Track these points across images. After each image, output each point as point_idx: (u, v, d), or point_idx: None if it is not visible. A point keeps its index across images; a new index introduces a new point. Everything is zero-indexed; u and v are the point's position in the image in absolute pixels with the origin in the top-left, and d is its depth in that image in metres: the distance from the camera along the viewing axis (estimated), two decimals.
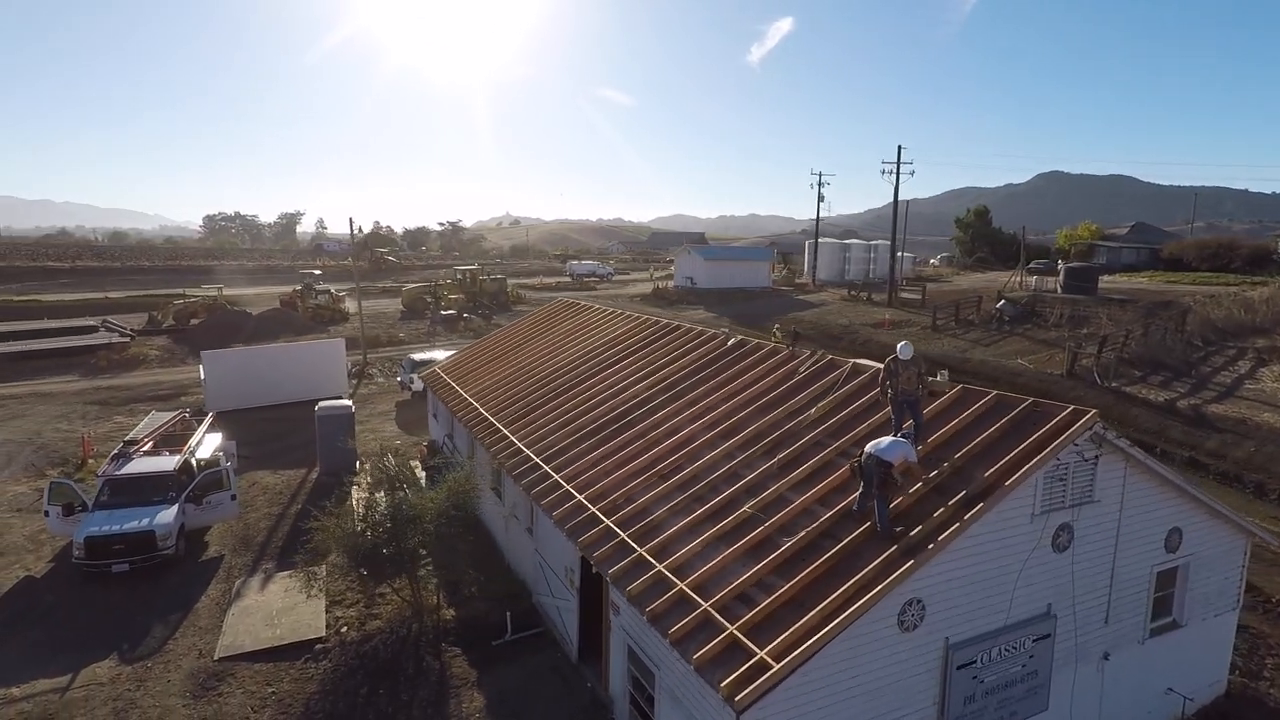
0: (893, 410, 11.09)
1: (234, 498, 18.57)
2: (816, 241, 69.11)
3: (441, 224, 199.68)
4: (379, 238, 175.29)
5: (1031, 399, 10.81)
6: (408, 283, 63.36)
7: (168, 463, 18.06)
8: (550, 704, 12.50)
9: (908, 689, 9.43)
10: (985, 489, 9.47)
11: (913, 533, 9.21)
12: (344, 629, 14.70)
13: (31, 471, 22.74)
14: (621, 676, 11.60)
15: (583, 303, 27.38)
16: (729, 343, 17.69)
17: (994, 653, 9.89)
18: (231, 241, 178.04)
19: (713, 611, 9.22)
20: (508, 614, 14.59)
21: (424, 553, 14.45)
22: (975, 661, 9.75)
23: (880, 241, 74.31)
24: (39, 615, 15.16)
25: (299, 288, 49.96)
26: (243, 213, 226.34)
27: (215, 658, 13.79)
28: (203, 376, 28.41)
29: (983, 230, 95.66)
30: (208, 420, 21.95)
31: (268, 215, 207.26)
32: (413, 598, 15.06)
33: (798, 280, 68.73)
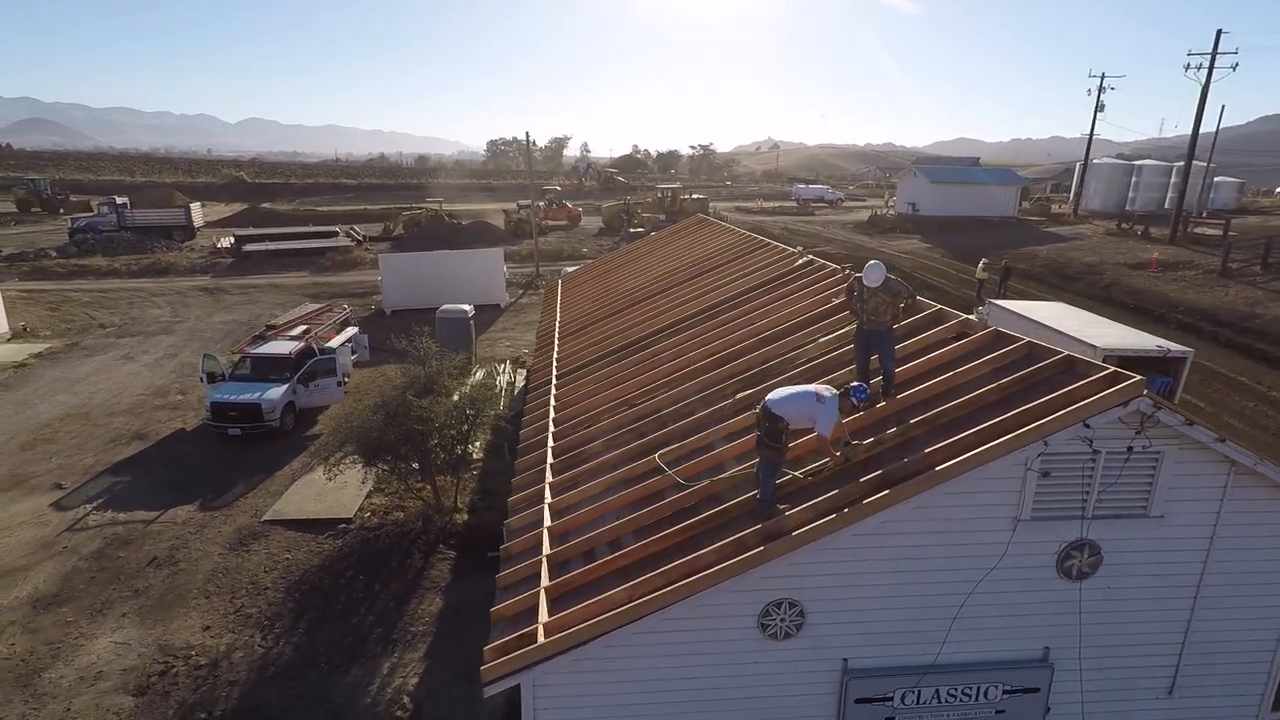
0: (855, 347, 8.22)
1: (340, 384, 20.43)
2: (1085, 162, 56.45)
3: (693, 147, 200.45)
4: (633, 160, 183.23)
5: (1066, 354, 7.26)
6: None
7: (286, 347, 20.28)
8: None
9: (783, 710, 7.21)
10: (915, 470, 6.59)
11: (792, 512, 6.77)
12: (368, 515, 15.51)
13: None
14: None
15: (713, 220, 25.17)
16: (797, 262, 14.87)
17: (925, 694, 7.13)
18: (506, 164, 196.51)
19: (545, 562, 7.76)
20: (505, 526, 14.19)
21: (439, 452, 14.55)
22: (890, 698, 7.13)
23: (1196, 164, 58.49)
24: (172, 459, 18.15)
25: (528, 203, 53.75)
26: (519, 137, 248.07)
27: (262, 519, 15.38)
28: (380, 278, 31.60)
29: None
30: (344, 313, 24.28)
31: (541, 139, 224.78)
32: (433, 498, 15.34)
33: (1055, 210, 57.28)
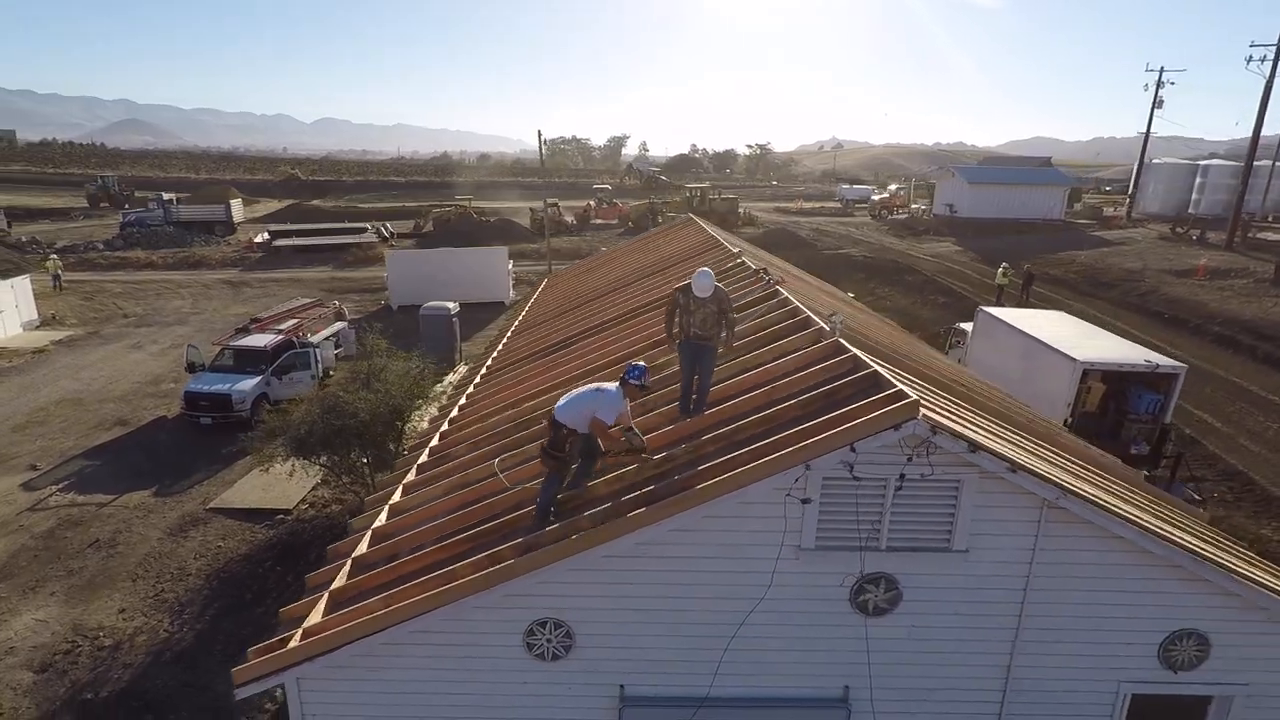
0: (680, 360, 7.79)
1: (314, 377, 20.89)
2: (1140, 163, 52.99)
3: (749, 146, 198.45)
4: (687, 160, 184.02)
5: (873, 369, 6.70)
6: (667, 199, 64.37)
7: (263, 340, 20.87)
8: None
9: None
10: (678, 490, 6.19)
11: (548, 529, 6.47)
12: (305, 507, 15.79)
13: None
14: None
15: (696, 220, 24.67)
16: (728, 264, 14.39)
17: None
18: (564, 163, 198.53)
19: (349, 564, 7.66)
20: (348, 524, 14.23)
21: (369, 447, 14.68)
22: None
23: (1263, 162, 54.16)
24: (146, 446, 18.90)
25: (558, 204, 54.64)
26: (578, 136, 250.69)
27: (206, 507, 15.84)
28: (387, 275, 32.26)
29: None
30: (332, 308, 24.86)
31: (599, 138, 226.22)
32: (367, 491, 15.47)
33: (1107, 213, 54.04)
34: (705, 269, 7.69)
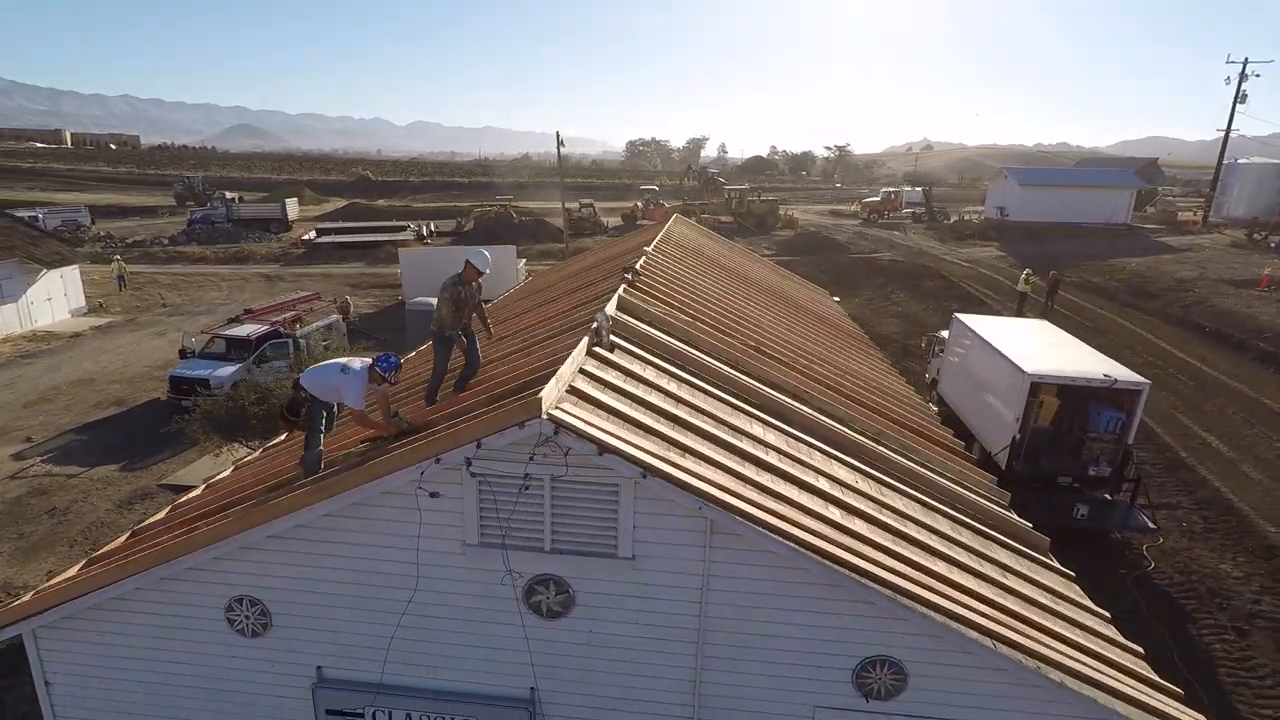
0: (441, 352, 7.90)
1: (291, 367, 21.98)
2: (1219, 163, 48.45)
3: (828, 148, 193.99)
4: (762, 162, 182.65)
5: (555, 370, 6.57)
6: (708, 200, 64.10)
7: (248, 330, 22.13)
8: None
9: (265, 710, 7.12)
10: (333, 474, 6.28)
11: (239, 510, 6.68)
12: None
13: None
14: None
15: (680, 220, 24.45)
16: (636, 260, 14.27)
17: (397, 716, 6.76)
18: (642, 164, 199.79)
19: (127, 534, 8.15)
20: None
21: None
22: (360, 714, 6.81)
23: None
24: (132, 425, 20.41)
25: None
26: (657, 138, 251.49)
27: (158, 483, 16.97)
28: (400, 271, 33.48)
29: None
30: (339, 301, 26.14)
31: (679, 139, 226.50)
32: None
33: (1182, 217, 49.75)
34: (482, 249, 7.86)
